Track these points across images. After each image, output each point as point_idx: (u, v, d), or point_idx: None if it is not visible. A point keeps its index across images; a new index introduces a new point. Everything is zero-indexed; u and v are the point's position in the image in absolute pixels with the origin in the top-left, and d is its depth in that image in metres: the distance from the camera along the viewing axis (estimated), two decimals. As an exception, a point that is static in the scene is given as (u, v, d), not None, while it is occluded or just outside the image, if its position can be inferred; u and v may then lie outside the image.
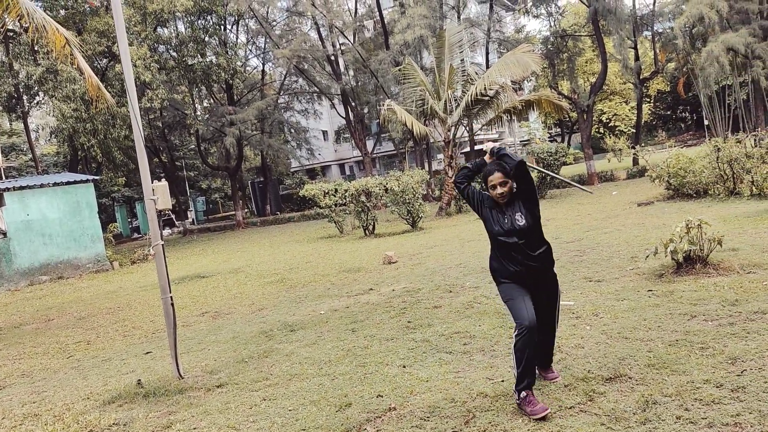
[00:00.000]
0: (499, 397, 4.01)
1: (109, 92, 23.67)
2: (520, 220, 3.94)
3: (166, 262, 5.38)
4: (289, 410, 4.35)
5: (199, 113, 34.94)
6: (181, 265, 17.67)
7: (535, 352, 3.84)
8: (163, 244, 5.36)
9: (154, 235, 5.28)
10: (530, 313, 3.81)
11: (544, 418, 3.58)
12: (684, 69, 30.53)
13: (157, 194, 5.30)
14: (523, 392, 3.76)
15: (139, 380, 5.37)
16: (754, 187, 12.67)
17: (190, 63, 26.07)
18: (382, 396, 4.35)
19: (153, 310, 10.02)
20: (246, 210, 42.39)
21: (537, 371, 4.11)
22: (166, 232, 40.03)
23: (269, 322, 7.63)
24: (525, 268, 3.93)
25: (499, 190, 3.93)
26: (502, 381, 4.28)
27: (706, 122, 31.72)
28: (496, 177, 3.92)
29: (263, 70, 37.30)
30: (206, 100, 34.91)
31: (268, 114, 34.56)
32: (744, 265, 6.59)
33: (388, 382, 4.63)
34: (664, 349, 4.44)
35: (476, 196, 4.15)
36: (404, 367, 4.96)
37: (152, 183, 5.34)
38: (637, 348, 4.54)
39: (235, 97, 33.40)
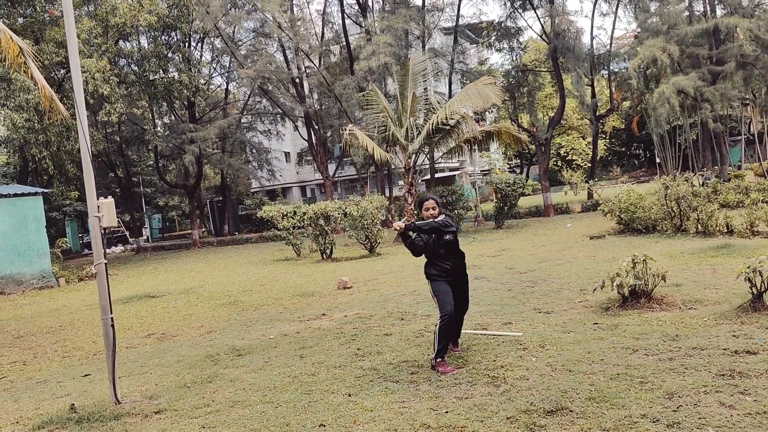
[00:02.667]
0: (442, 428, 3.98)
1: (65, 104, 23.20)
2: (451, 237, 5.67)
3: (108, 282, 5.21)
4: (228, 439, 4.23)
5: (159, 129, 34.37)
6: (131, 283, 17.18)
7: (452, 333, 5.62)
8: (106, 263, 5.20)
9: (96, 254, 5.11)
10: (452, 305, 5.41)
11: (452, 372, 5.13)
12: (638, 108, 31.75)
13: (103, 211, 5.16)
14: (439, 359, 5.32)
15: (73, 405, 5.15)
16: (699, 225, 13.12)
17: (151, 78, 25.70)
18: (324, 426, 4.27)
19: (96, 330, 9.66)
20: (203, 229, 41.67)
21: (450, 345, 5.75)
22: (119, 248, 38.95)
23: (216, 345, 7.45)
24: (453, 267, 5.60)
25: (431, 211, 5.62)
26: (446, 412, 4.26)
27: (658, 160, 32.90)
28: (430, 203, 5.67)
29: (227, 89, 37.06)
30: (167, 117, 34.38)
31: (230, 133, 34.26)
32: (686, 301, 6.78)
33: (332, 411, 4.55)
34: (606, 382, 4.50)
35: (428, 239, 5.67)
36: (350, 395, 4.90)
37: (98, 199, 5.19)
38: (579, 381, 4.60)
39: (197, 115, 33.03)
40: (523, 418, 4.00)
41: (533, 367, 5.08)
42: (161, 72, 26.02)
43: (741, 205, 16.36)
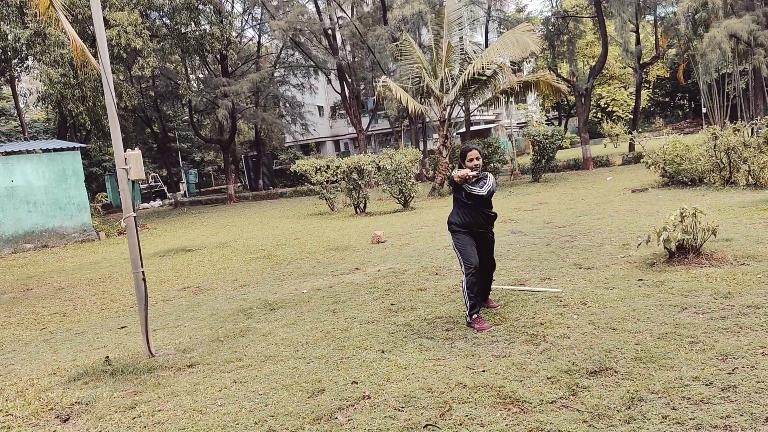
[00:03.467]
0: (478, 388, 3.82)
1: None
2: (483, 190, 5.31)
3: (138, 236, 5.14)
4: (260, 394, 4.16)
5: (192, 84, 34.35)
6: (168, 237, 17.43)
7: (481, 288, 5.37)
8: (135, 217, 5.11)
9: (125, 207, 5.03)
10: (476, 257, 5.25)
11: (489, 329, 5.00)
12: (685, 55, 30.19)
13: (130, 163, 5.05)
14: (475, 315, 5.16)
15: (107, 357, 5.17)
16: (750, 177, 12.49)
17: (183, 31, 25.46)
18: (357, 383, 4.16)
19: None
20: (238, 184, 42.03)
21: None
22: (157, 203, 39.70)
23: (250, 299, 7.43)
24: (478, 222, 5.36)
25: (476, 162, 5.27)
26: (483, 371, 4.09)
27: (704, 110, 31.48)
28: (474, 153, 5.32)
29: (259, 42, 36.65)
30: (200, 71, 34.26)
31: (263, 87, 34.02)
32: (738, 257, 6.41)
33: (364, 368, 4.44)
34: (653, 342, 4.26)
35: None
36: (383, 352, 4.77)
37: (125, 152, 5.07)
38: (624, 340, 4.36)
39: (230, 69, 32.82)
40: (564, 379, 3.81)
41: (574, 325, 4.86)
42: (192, 24, 25.75)
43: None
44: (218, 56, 30.96)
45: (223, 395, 4.23)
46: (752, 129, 20.90)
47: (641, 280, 6.02)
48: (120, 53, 22.45)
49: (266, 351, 5.15)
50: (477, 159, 5.29)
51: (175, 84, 31.95)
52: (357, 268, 8.76)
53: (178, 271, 10.65)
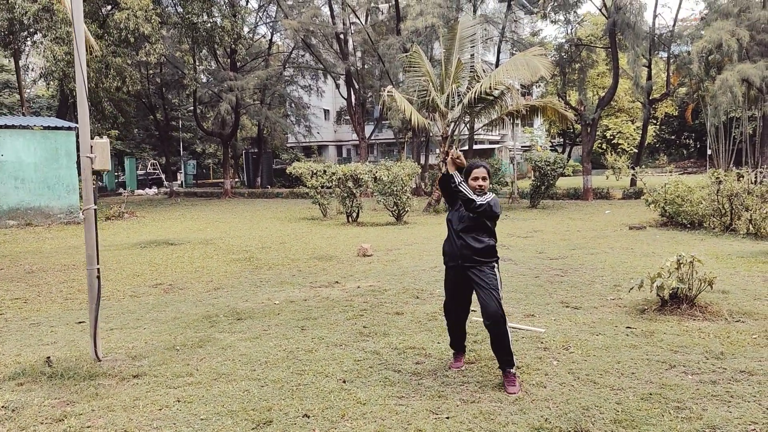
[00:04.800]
0: (439, 438, 3.46)
1: (107, 40, 22.98)
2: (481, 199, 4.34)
3: (96, 231, 4.78)
4: (201, 419, 3.80)
5: (199, 75, 34.06)
6: (155, 227, 17.07)
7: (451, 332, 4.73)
8: (95, 209, 4.76)
9: (86, 198, 4.68)
10: (451, 296, 4.61)
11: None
12: (695, 95, 30.00)
13: (96, 152, 4.70)
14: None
15: (49, 358, 4.80)
16: (751, 226, 12.18)
17: (194, 21, 25.19)
18: (308, 417, 3.80)
19: (107, 273, 9.42)
20: (236, 180, 41.69)
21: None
22: (153, 191, 39.36)
23: (219, 305, 7.06)
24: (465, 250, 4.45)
25: (480, 182, 4.40)
26: (447, 418, 3.73)
27: (709, 152, 31.30)
28: (481, 172, 4.43)
29: (271, 40, 36.44)
30: (207, 63, 33.99)
31: (270, 85, 33.78)
32: (733, 312, 6.07)
33: (321, 399, 4.08)
34: (635, 403, 3.91)
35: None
36: (344, 382, 4.41)
37: (92, 139, 4.73)
38: (605, 397, 4.01)
39: (238, 63, 32.57)
40: (534, 437, 3.45)
41: (553, 372, 4.51)
42: (205, 15, 25.49)
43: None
44: (228, 50, 30.71)
45: (162, 416, 3.86)
46: (756, 176, 20.63)
47: (630, 327, 5.67)
48: (128, 37, 22.18)
49: (221, 367, 4.78)
50: (483, 179, 4.39)
51: (181, 73, 31.66)
52: (337, 282, 8.41)
53: (154, 266, 10.28)
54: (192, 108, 35.22)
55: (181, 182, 44.41)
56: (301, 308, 6.80)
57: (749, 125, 28.32)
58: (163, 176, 43.04)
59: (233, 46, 29.00)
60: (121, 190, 38.10)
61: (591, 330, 5.63)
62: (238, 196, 32.98)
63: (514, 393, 4.10)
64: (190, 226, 17.47)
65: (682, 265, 6.11)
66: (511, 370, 4.26)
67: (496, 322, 4.23)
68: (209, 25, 26.07)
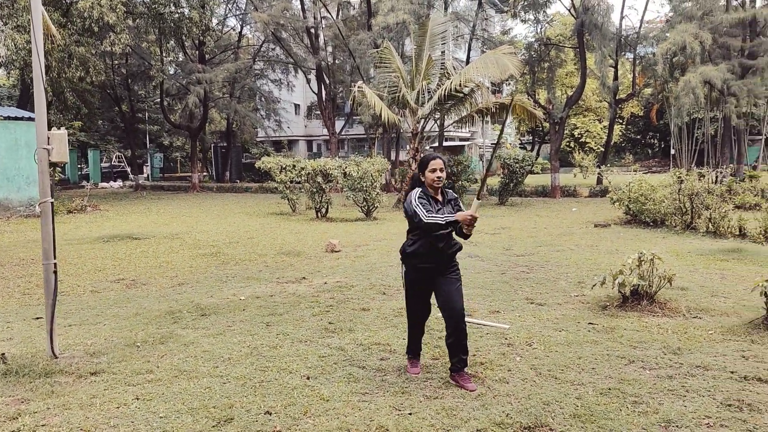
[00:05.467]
0: (401, 435, 3.47)
1: (70, 29, 22.37)
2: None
3: (54, 225, 4.65)
4: (161, 417, 3.73)
5: (166, 66, 33.45)
6: (119, 221, 16.72)
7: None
8: (52, 202, 4.63)
9: (42, 191, 4.54)
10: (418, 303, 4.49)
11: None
12: (659, 96, 30.68)
13: (53, 144, 4.57)
14: (409, 354, 4.61)
15: (3, 354, 4.66)
16: (710, 225, 12.49)
17: (161, 12, 24.70)
18: (271, 414, 3.76)
19: (67, 268, 9.20)
20: (205, 174, 41.13)
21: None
22: (118, 184, 38.56)
23: (183, 301, 6.95)
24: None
25: (438, 174, 4.23)
26: (410, 414, 3.74)
27: (672, 151, 32.04)
28: (438, 163, 4.25)
29: (240, 33, 35.97)
30: (174, 54, 33.38)
31: (240, 78, 33.37)
32: (691, 309, 6.21)
33: (284, 396, 4.04)
34: (595, 397, 3.98)
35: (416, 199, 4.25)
36: (308, 378, 4.39)
37: (50, 130, 4.59)
38: (565, 392, 4.07)
39: (207, 56, 32.09)
40: (495, 432, 3.48)
41: (516, 368, 4.55)
42: (172, 6, 25.02)
43: (757, 207, 15.68)
44: (196, 42, 30.22)
45: (120, 414, 3.78)
46: (717, 177, 21.17)
47: (592, 323, 5.76)
48: (92, 26, 21.64)
49: (182, 364, 4.70)
50: (441, 171, 4.24)
51: (148, 64, 31.04)
52: (304, 278, 8.36)
53: (117, 260, 10.07)
54: (159, 100, 34.58)
55: (147, 175, 43.61)
56: (267, 304, 6.74)
57: (711, 126, 29.08)
58: (128, 169, 42.19)
59: (201, 37, 28.56)
60: (84, 182, 37.24)
61: (554, 326, 5.71)
62: (206, 190, 32.53)
63: (475, 388, 4.12)
64: (155, 220, 17.17)
65: (643, 263, 6.24)
66: (466, 369, 4.27)
67: (461, 319, 4.21)
68: (177, 15, 25.60)
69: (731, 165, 25.52)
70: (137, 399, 4.01)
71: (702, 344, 5.09)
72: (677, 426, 3.55)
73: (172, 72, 34.12)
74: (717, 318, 5.95)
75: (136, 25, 25.95)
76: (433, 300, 4.46)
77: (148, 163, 45.07)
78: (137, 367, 4.63)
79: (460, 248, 4.40)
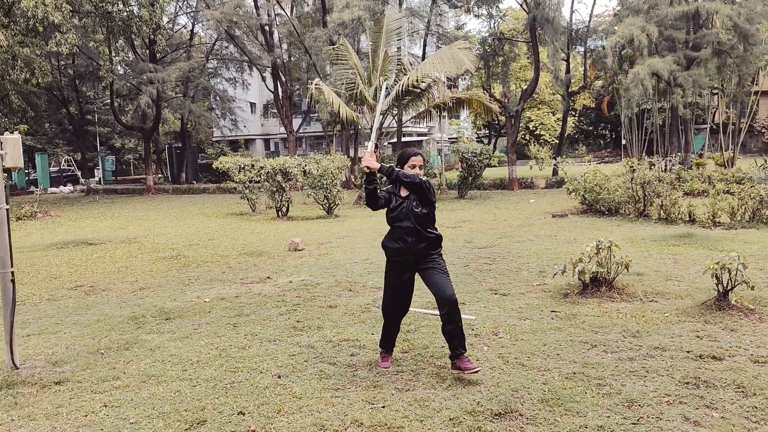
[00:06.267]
0: (375, 428, 3.51)
1: (13, 30, 21.55)
2: (428, 209, 4.44)
3: (9, 232, 4.51)
4: (131, 423, 3.68)
5: (116, 66, 32.57)
6: (72, 227, 16.24)
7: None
8: (7, 209, 4.49)
9: (-4, 198, 4.40)
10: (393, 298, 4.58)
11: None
12: (610, 88, 31.52)
13: (6, 148, 4.43)
14: (381, 349, 4.63)
15: (-40, 368, 4.51)
16: (662, 211, 12.94)
17: (109, 10, 24.02)
18: (244, 414, 3.75)
19: (21, 276, 8.87)
20: (159, 175, 40.26)
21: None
22: (68, 188, 37.39)
23: (145, 305, 6.83)
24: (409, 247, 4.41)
25: (417, 171, 4.44)
26: (383, 407, 3.79)
27: (623, 142, 32.98)
28: (419, 160, 4.49)
29: (192, 31, 35.30)
30: (124, 53, 32.53)
31: (193, 77, 32.78)
32: (647, 293, 6.45)
33: (256, 396, 4.04)
34: (561, 382, 4.10)
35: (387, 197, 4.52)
36: (279, 377, 4.39)
37: (2, 135, 4.45)
38: (532, 378, 4.18)
39: (158, 55, 31.39)
40: (467, 421, 3.56)
41: (484, 358, 4.65)
42: (120, 4, 24.36)
43: (705, 194, 16.30)
44: (146, 40, 29.52)
45: (88, 422, 3.71)
46: (666, 165, 21.89)
47: (554, 311, 5.93)
48: (36, 26, 20.91)
49: (150, 369, 4.64)
50: (420, 167, 4.44)
51: (96, 64, 30.15)
52: (268, 277, 8.31)
53: (73, 267, 9.80)
54: (109, 101, 33.65)
55: (99, 179, 42.41)
56: (233, 305, 6.68)
57: (659, 116, 30.02)
58: (78, 173, 40.94)
59: (152, 36, 27.91)
60: (32, 188, 35.93)
61: (519, 315, 5.85)
62: (162, 193, 31.87)
63: (478, 368, 4.23)
64: (110, 224, 16.74)
65: (600, 250, 6.44)
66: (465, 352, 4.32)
67: (454, 305, 4.29)
68: (125, 14, 24.91)
69: (679, 153, 26.44)
70: (105, 406, 3.94)
71: (659, 326, 5.30)
72: (639, 405, 3.70)
73: (122, 72, 33.25)
74: (672, 301, 6.19)
75: (82, 24, 25.16)
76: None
77: (100, 167, 43.84)
78: (103, 374, 4.54)
79: (436, 242, 4.44)
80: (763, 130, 44.19)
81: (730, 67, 24.95)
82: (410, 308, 5.81)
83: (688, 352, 4.62)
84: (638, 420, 3.50)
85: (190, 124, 37.07)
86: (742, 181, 16.51)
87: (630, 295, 6.37)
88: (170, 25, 34.00)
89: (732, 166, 23.90)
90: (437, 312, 5.88)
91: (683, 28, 24.33)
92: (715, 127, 35.97)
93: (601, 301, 6.20)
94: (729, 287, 5.72)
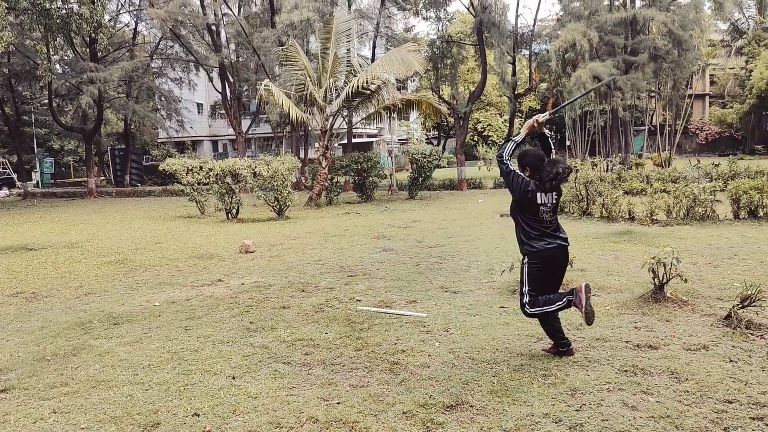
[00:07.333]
0: (331, 423, 3.58)
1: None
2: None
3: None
4: (82, 428, 3.63)
5: (55, 65, 31.40)
6: (10, 232, 15.59)
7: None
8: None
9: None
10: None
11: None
12: (554, 90, 32.47)
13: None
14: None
15: None
16: (604, 210, 13.45)
17: (47, 8, 23.14)
18: (198, 415, 3.76)
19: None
20: (102, 178, 39.03)
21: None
22: (3, 192, 35.81)
23: (92, 311, 6.67)
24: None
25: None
26: (338, 403, 3.86)
27: (568, 143, 34.00)
28: None
29: (135, 29, 34.38)
30: (63, 52, 31.39)
31: (137, 77, 31.94)
32: (590, 288, 6.72)
33: (210, 397, 4.04)
34: (509, 374, 4.27)
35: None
36: (234, 378, 4.39)
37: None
38: (482, 371, 4.34)
39: (99, 54, 30.43)
40: (420, 414, 3.67)
41: (435, 353, 4.78)
42: (59, 1, 23.52)
43: (643, 192, 17.02)
44: (87, 39, 28.58)
45: (38, 428, 3.64)
46: (608, 165, 22.72)
47: (503, 307, 6.12)
48: (-32, 23, 19.98)
49: (99, 374, 4.56)
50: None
51: (33, 63, 28.99)
52: (220, 280, 8.24)
53: (13, 273, 9.44)
54: (47, 101, 32.39)
55: (37, 182, 40.76)
56: (184, 308, 6.61)
57: (601, 118, 31.14)
58: (14, 176, 39.21)
59: (93, 34, 27.01)
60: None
61: (469, 311, 6.01)
62: (105, 196, 30.92)
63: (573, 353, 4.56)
64: (51, 228, 16.15)
65: (546, 247, 6.68)
66: (570, 346, 4.59)
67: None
68: (64, 11, 24.05)
69: (620, 154, 27.50)
70: (54, 412, 3.86)
71: (601, 319, 5.55)
72: (582, 393, 3.90)
73: (60, 71, 32.07)
74: (613, 294, 6.49)
75: (19, 21, 24.15)
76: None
77: (37, 169, 42.14)
78: (50, 380, 4.44)
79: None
80: (697, 132, 46.42)
81: (666, 72, 26.16)
82: (363, 307, 5.93)
83: (627, 342, 4.87)
84: (581, 407, 3.68)
85: (134, 125, 36.09)
86: (678, 181, 17.34)
87: (574, 290, 6.62)
88: (112, 24, 33.01)
89: (669, 166, 25.04)
90: (389, 311, 6.03)
91: (622, 33, 25.32)
92: (653, 128, 37.61)
93: (546, 296, 6.43)
94: (664, 280, 6.04)
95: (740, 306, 5.18)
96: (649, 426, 3.41)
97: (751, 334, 4.90)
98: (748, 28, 43.73)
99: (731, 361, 4.35)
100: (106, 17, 30.24)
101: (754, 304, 5.14)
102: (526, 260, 4.60)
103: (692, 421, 3.45)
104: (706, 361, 4.35)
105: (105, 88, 28.12)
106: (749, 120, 42.12)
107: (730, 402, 3.67)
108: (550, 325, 4.58)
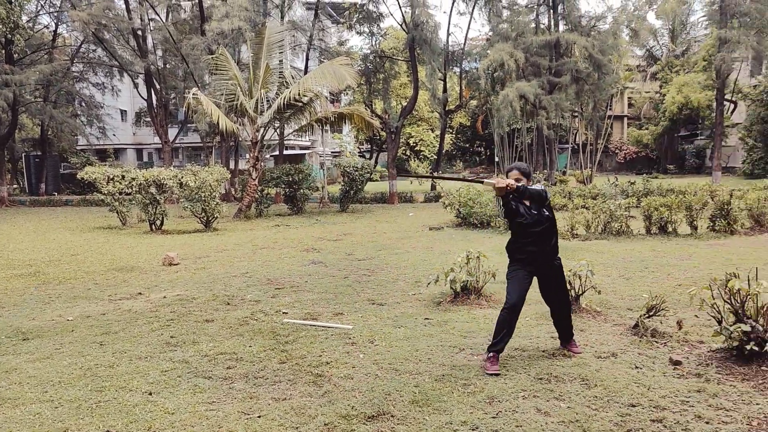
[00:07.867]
0: (250, 437, 3.53)
1: None
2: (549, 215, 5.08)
3: None
4: (-19, 451, 3.42)
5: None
6: None
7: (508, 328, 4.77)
8: None
9: None
10: (520, 296, 4.85)
11: (495, 374, 4.48)
12: (483, 108, 33.49)
13: None
14: (491, 353, 4.67)
15: None
16: (527, 224, 13.92)
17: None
18: (110, 433, 3.61)
19: None
20: (15, 186, 36.88)
21: (561, 345, 5.12)
22: None
23: (-2, 326, 6.29)
24: (538, 251, 5.00)
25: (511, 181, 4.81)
26: (259, 417, 3.81)
27: (497, 159, 35.07)
28: (515, 174, 4.92)
29: (55, 32, 32.87)
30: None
31: (56, 81, 30.51)
32: (511, 299, 6.95)
33: (124, 414, 3.89)
34: (431, 384, 4.35)
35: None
36: (150, 394, 4.25)
37: None
38: (404, 382, 4.39)
39: (15, 56, 28.90)
40: (341, 425, 3.68)
41: (360, 364, 4.81)
42: (-29, -1, 22.22)
43: (565, 208, 17.73)
44: (2, 40, 27.08)
45: (-70, 453, 3.40)
46: (533, 182, 23.43)
47: (427, 318, 6.23)
48: None
49: (5, 392, 4.31)
50: (517, 180, 4.87)
51: (-59, 63, 27.18)
52: (140, 293, 7.96)
53: None
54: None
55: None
56: (99, 323, 6.34)
57: (527, 136, 32.29)
58: None
59: (9, 36, 25.65)
60: None
61: (394, 323, 6.08)
62: (18, 205, 29.24)
63: (579, 351, 4.97)
64: (-43, 239, 15.11)
65: (470, 260, 6.87)
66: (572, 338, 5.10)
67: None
68: (-23, 10, 22.77)
69: (545, 170, 28.58)
70: (-50, 435, 3.61)
71: (520, 329, 5.73)
72: (499, 400, 4.02)
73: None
74: (533, 306, 6.69)
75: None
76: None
77: (-56, 175, 39.29)
78: (-53, 401, 4.15)
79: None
80: (616, 151, 48.92)
81: (587, 93, 27.49)
82: (289, 320, 5.89)
83: (543, 351, 5.07)
84: (497, 414, 3.80)
85: (51, 131, 34.40)
86: (597, 197, 18.20)
87: (497, 301, 6.83)
88: (30, 25, 31.44)
89: (590, 183, 26.23)
90: (315, 323, 6.01)
91: (547, 55, 26.44)
92: (576, 147, 39.33)
93: (470, 308, 6.61)
94: (580, 292, 6.34)
95: (647, 316, 5.50)
96: (560, 430, 3.56)
97: (656, 341, 5.21)
98: (662, 55, 46.74)
99: (637, 367, 4.60)
100: (24, 18, 28.82)
101: (658, 313, 5.47)
102: None
103: (599, 424, 3.63)
104: (614, 368, 4.59)
105: (20, 92, 26.70)
106: (663, 141, 44.80)
107: (634, 406, 3.89)
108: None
